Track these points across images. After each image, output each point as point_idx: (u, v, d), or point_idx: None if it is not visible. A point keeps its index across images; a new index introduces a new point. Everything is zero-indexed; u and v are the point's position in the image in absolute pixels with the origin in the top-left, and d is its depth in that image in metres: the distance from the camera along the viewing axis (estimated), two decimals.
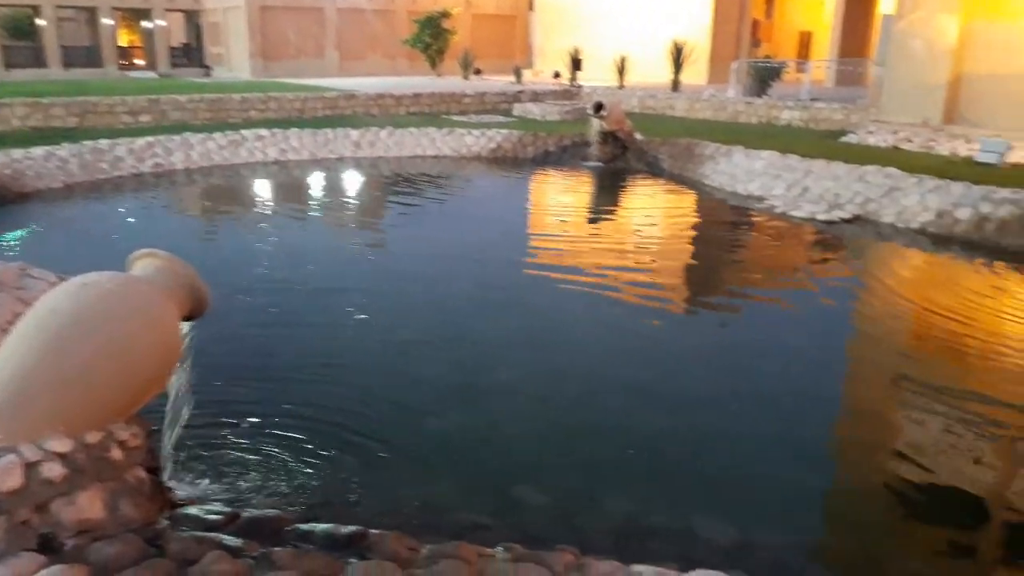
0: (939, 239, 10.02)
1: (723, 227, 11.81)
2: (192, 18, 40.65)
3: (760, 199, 12.09)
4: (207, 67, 38.47)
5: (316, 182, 14.64)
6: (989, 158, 12.70)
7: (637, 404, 5.46)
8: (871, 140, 15.16)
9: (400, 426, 5.09)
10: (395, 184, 14.68)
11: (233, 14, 34.55)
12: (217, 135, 15.95)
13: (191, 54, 40.37)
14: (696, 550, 3.73)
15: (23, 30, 37.68)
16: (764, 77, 20.85)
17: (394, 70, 35.49)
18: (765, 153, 13.50)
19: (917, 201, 10.68)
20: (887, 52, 16.27)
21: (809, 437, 5.14)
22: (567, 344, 6.64)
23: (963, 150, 13.67)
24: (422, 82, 27.03)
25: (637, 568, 3.15)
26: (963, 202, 10.30)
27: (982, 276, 8.86)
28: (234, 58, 35.24)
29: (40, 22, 36.13)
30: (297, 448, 4.65)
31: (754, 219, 11.66)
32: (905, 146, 14.55)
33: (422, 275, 8.53)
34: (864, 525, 4.21)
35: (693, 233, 11.39)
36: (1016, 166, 12.44)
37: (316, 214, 12.27)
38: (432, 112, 21.51)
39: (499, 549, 3.25)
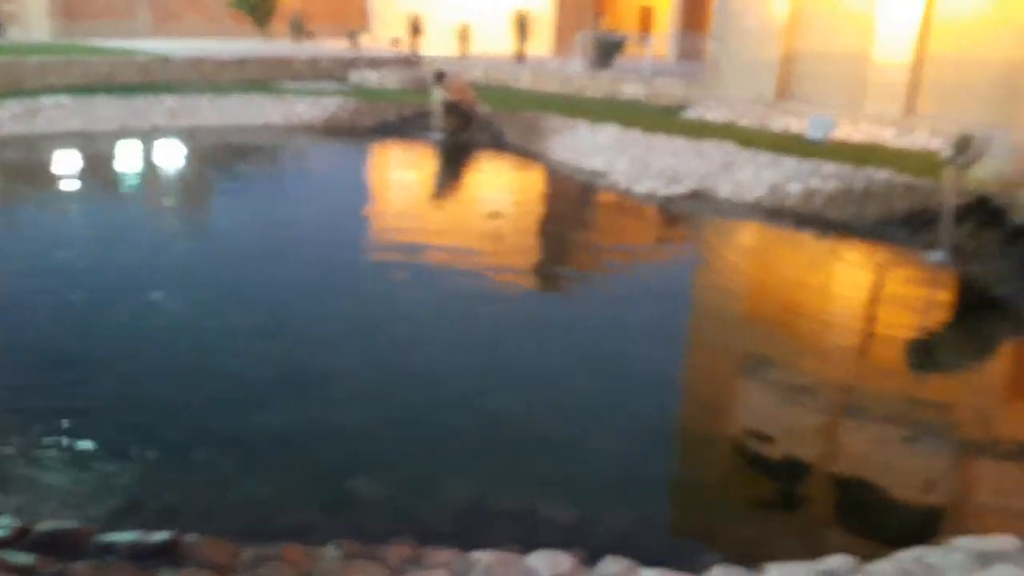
0: (772, 212, 10.20)
1: (567, 203, 11.60)
2: None
3: (604, 174, 11.90)
4: None
5: (126, 155, 13.16)
6: (817, 134, 13.12)
7: (477, 386, 5.22)
8: (709, 115, 15.36)
9: (219, 422, 4.63)
10: (217, 157, 13.49)
11: None
12: (11, 103, 14.10)
13: None
14: (538, 531, 3.67)
15: None
16: (608, 50, 20.80)
17: (217, 32, 33.09)
18: (608, 128, 13.35)
19: (751, 176, 10.82)
20: (724, 28, 16.52)
21: (648, 413, 5.05)
22: (406, 328, 6.23)
23: (795, 126, 14.06)
24: (248, 46, 25.26)
25: (476, 554, 3.16)
26: (794, 176, 10.52)
27: (812, 247, 9.22)
28: (30, 17, 31.69)
29: None
30: (99, 449, 4.19)
31: (598, 195, 11.50)
32: (741, 122, 14.82)
33: (248, 257, 7.81)
34: (700, 497, 4.27)
35: (537, 209, 11.12)
36: (841, 142, 12.91)
37: (126, 191, 10.97)
38: (259, 79, 20.04)
39: (329, 547, 3.16)
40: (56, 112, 14.28)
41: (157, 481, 4.02)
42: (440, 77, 14.50)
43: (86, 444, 4.28)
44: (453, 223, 10.06)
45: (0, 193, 10.88)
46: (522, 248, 8.97)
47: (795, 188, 10.33)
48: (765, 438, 4.84)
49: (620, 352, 5.90)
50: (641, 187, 11.10)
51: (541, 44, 26.14)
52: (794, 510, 4.23)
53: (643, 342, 6.13)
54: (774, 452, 4.69)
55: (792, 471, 4.51)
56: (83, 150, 13.20)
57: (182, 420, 4.62)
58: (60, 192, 10.67)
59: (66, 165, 12.38)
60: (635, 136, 12.84)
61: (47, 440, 4.28)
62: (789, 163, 10.92)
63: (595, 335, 6.25)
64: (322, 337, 5.94)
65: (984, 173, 7.78)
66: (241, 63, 20.10)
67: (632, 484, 4.24)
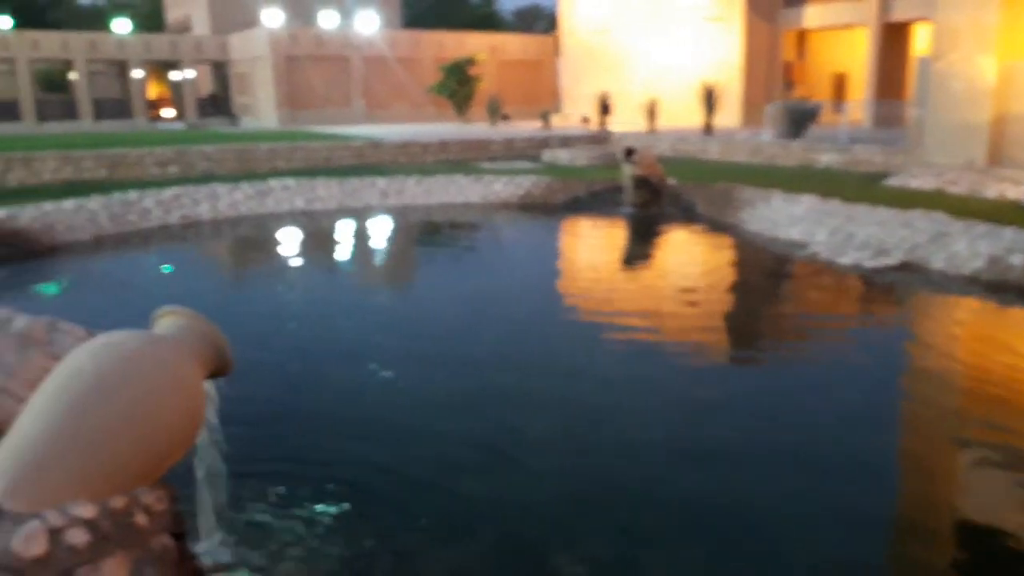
0: (992, 286, 9.50)
1: (765, 275, 11.37)
2: (220, 69, 41.33)
3: (802, 245, 11.63)
4: (234, 117, 38.96)
5: (343, 233, 14.43)
6: None
7: (673, 464, 5.20)
8: (914, 184, 14.69)
9: (430, 491, 4.87)
10: (424, 234, 14.45)
11: (259, 64, 35.04)
12: (244, 185, 15.86)
13: (219, 105, 41.00)
14: None
15: (56, 83, 38.53)
16: (800, 119, 20.48)
17: (421, 117, 35.65)
18: (805, 197, 13.09)
19: (967, 247, 10.19)
20: (926, 93, 15.86)
21: (857, 503, 4.73)
22: (602, 400, 6.31)
23: (1011, 193, 13.17)
24: (449, 129, 27.00)
25: None
26: (1016, 247, 9.81)
27: None
28: (261, 108, 35.66)
29: (72, 75, 36.86)
30: (328, 513, 4.52)
31: (797, 267, 11.20)
32: (950, 190, 14.06)
33: (451, 331, 8.24)
34: None
35: (733, 281, 10.95)
36: None
37: (344, 267, 12.00)
38: (460, 159, 21.37)
39: None
40: (283, 193, 15.91)
41: (369, 545, 4.25)
42: (629, 153, 14.85)
43: (316, 508, 4.61)
44: (646, 297, 10.08)
45: (239, 267, 12.23)
46: (718, 322, 8.88)
47: (1019, 260, 9.62)
48: (993, 534, 4.47)
49: (827, 434, 5.69)
50: (845, 259, 10.74)
51: (729, 116, 26.11)
52: None
53: (851, 426, 5.86)
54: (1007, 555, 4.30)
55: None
56: (306, 228, 14.59)
57: (393, 486, 4.91)
58: (286, 264, 11.83)
59: (292, 240, 13.75)
60: (835, 206, 12.49)
61: (285, 505, 4.62)
62: (1010, 233, 10.21)
63: (798, 412, 6.09)
64: (521, 409, 6.17)
65: None
66: (443, 145, 21.55)
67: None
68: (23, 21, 42.71)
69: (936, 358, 7.58)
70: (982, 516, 4.67)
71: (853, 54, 28.58)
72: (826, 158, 18.13)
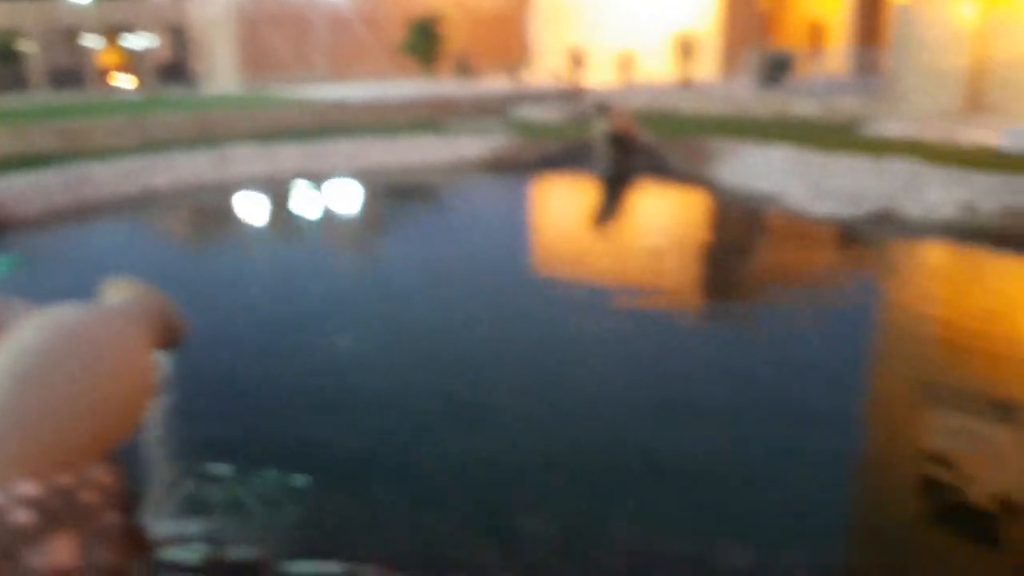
0: (966, 232, 9.40)
1: (739, 228, 11.19)
2: (178, 34, 40.17)
3: (777, 197, 11.38)
4: (194, 83, 37.98)
5: (306, 198, 14.00)
6: (1013, 146, 12.02)
7: (641, 420, 5.12)
8: (890, 131, 14.42)
9: (393, 455, 4.73)
10: (390, 196, 14.06)
11: (218, 28, 34.03)
12: (204, 152, 15.31)
13: (178, 71, 39.90)
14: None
15: (5, 53, 37.30)
16: (777, 68, 20.12)
17: (387, 77, 34.84)
18: (781, 148, 12.79)
19: (940, 193, 10.01)
20: (904, 40, 15.53)
21: (825, 450, 4.69)
22: (573, 360, 6.19)
23: (986, 139, 12.94)
24: (416, 88, 26.38)
25: None
26: (989, 193, 9.66)
27: (1012, 269, 8.50)
28: (221, 72, 34.74)
29: (22, 44, 35.72)
30: (286, 483, 4.37)
31: (772, 219, 11.01)
32: (926, 137, 13.80)
33: (420, 294, 7.98)
34: (891, 543, 3.92)
35: (706, 237, 10.78)
36: None
37: (307, 232, 11.62)
38: (427, 119, 20.82)
39: None
40: (244, 159, 15.37)
41: (330, 512, 4.13)
42: (602, 109, 14.45)
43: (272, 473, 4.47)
44: (617, 255, 9.92)
45: (198, 236, 11.82)
46: (692, 276, 8.69)
47: (991, 205, 9.46)
48: (959, 476, 4.47)
49: (799, 384, 5.58)
50: (818, 209, 10.52)
51: (706, 67, 25.62)
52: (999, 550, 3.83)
53: (823, 374, 5.76)
54: (971, 491, 4.30)
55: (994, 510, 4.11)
56: (268, 193, 14.14)
57: (352, 451, 4.77)
58: (247, 232, 11.46)
59: (253, 207, 13.31)
60: (810, 156, 12.21)
61: (235, 472, 4.47)
62: (982, 179, 9.99)
63: (773, 365, 5.94)
64: (488, 369, 6.04)
65: None
66: (409, 105, 20.99)
67: (812, 527, 3.96)
68: None
69: (908, 306, 7.54)
70: (947, 458, 4.69)
71: (830, 3, 28.13)
72: (803, 107, 17.81)
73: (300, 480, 4.38)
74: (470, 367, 6.08)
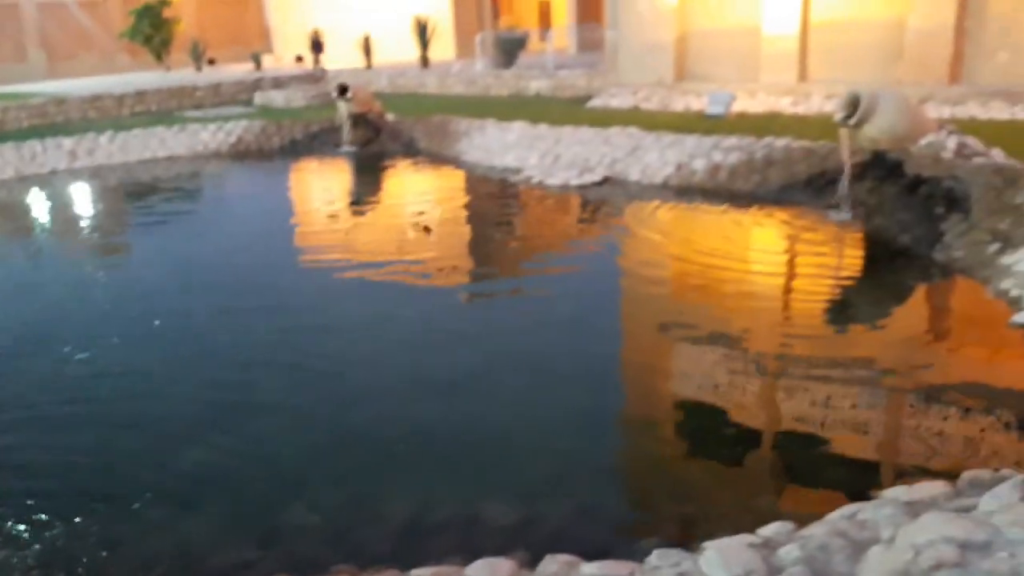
0: (681, 190, 10.53)
1: (483, 201, 11.67)
2: None
3: (517, 170, 12.03)
4: None
5: (25, 205, 12.76)
6: (717, 110, 13.51)
7: (406, 395, 5.27)
8: (613, 103, 15.65)
9: (149, 466, 4.55)
10: (125, 195, 13.16)
11: None
12: None
13: None
14: (481, 539, 3.63)
15: None
16: (510, 48, 20.98)
17: (114, 68, 32.09)
18: (516, 124, 13.48)
19: (658, 157, 11.12)
20: (618, 16, 16.83)
21: (586, 404, 5.11)
22: (339, 339, 6.28)
23: (695, 105, 14.43)
24: (149, 78, 24.65)
25: (416, 572, 3.13)
26: (697, 153, 10.86)
27: (721, 218, 9.47)
28: None
29: None
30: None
31: (512, 191, 11.61)
32: (644, 106, 15.15)
33: (164, 291, 7.68)
34: (641, 483, 4.37)
35: (454, 210, 11.16)
36: (741, 115, 13.31)
37: (30, 245, 10.54)
38: (161, 110, 19.57)
39: None
40: None
41: (77, 529, 3.94)
42: (343, 90, 14.42)
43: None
44: (372, 234, 10.05)
45: None
46: (447, 253, 8.94)
47: (700, 164, 10.65)
48: (698, 411, 5.00)
49: (556, 340, 6.07)
50: (554, 179, 11.26)
51: (444, 48, 26.14)
52: (734, 481, 4.27)
53: (575, 335, 6.23)
54: (709, 425, 4.83)
55: (727, 441, 4.64)
56: None
57: (107, 461, 4.61)
58: None
59: None
60: (543, 130, 12.99)
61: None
62: (692, 141, 11.23)
63: (531, 325, 6.39)
64: (246, 361, 5.97)
65: (875, 131, 8.13)
66: (140, 96, 19.60)
67: (572, 478, 4.26)
68: None
69: (640, 260, 8.37)
70: (696, 395, 5.29)
71: None
72: (536, 85, 18.77)
73: (32, 504, 4.13)
74: (231, 364, 5.96)
